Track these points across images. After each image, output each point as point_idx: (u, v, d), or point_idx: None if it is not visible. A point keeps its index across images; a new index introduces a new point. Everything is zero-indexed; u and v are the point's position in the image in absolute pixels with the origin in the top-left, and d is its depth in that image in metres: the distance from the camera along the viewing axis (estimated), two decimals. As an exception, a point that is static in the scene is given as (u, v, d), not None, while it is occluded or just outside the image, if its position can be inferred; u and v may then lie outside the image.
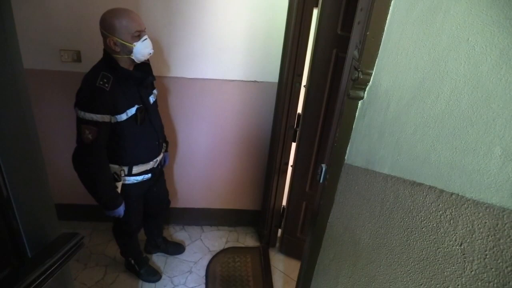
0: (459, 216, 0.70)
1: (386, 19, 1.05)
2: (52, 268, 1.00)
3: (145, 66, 1.99)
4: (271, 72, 2.54)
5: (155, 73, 2.49)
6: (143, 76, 1.93)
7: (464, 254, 0.69)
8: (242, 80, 2.56)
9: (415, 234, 0.85)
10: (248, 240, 3.08)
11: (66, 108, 2.58)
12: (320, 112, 2.34)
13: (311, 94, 2.32)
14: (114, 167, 2.00)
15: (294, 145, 2.60)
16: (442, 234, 0.75)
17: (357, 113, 1.24)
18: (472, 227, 0.67)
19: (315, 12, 2.21)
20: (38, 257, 1.04)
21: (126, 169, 2.03)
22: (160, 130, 2.15)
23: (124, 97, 1.85)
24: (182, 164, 2.86)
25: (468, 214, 0.68)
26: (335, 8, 2.07)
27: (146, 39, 1.84)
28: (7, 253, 1.02)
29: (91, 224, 3.06)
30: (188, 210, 3.08)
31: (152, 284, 2.57)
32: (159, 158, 2.18)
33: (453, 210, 0.72)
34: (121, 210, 2.04)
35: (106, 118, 1.79)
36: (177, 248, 2.86)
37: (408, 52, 0.94)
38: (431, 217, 0.79)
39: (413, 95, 0.89)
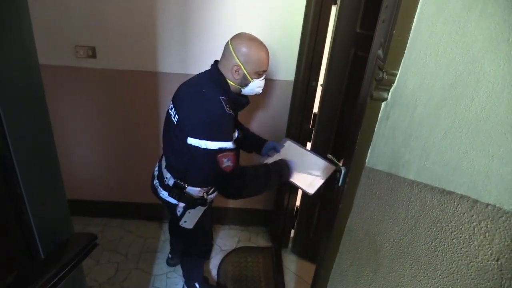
0: (496, 229, 0.66)
1: (414, 17, 1.00)
2: (65, 270, 0.98)
3: None
4: (287, 70, 2.49)
5: (171, 70, 2.48)
6: (246, 102, 1.83)
7: (501, 270, 0.64)
8: (257, 78, 2.52)
9: (444, 245, 0.80)
10: (260, 240, 3.05)
11: (80, 103, 2.58)
12: (336, 112, 2.29)
13: (327, 93, 2.28)
14: (196, 190, 1.84)
15: (309, 144, 2.55)
16: (476, 247, 0.71)
17: (380, 115, 1.19)
18: (511, 241, 0.63)
19: (334, 9, 2.16)
20: (50, 258, 1.02)
21: (205, 189, 1.89)
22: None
23: (235, 123, 1.78)
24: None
25: (507, 227, 0.64)
26: (354, 6, 2.01)
27: (263, 79, 1.76)
28: (20, 253, 1.01)
29: (103, 221, 3.05)
30: (200, 208, 3.05)
31: (164, 283, 2.55)
32: None
33: (488, 222, 0.68)
34: (290, 173, 1.84)
35: (232, 143, 1.66)
36: None
37: (438, 53, 0.89)
38: (463, 228, 0.75)
39: (444, 98, 0.85)
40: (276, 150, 2.01)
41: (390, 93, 1.13)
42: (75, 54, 2.39)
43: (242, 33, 1.72)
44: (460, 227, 0.75)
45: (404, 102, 1.04)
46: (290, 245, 2.98)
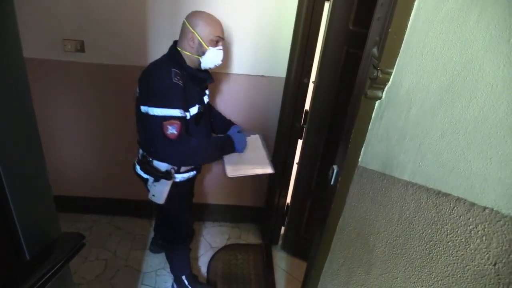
0: (493, 233, 0.65)
1: (410, 15, 0.99)
2: (51, 272, 0.95)
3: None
4: (279, 67, 2.47)
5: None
6: (207, 77, 1.93)
7: (498, 275, 0.63)
8: (249, 74, 2.49)
9: (439, 247, 0.79)
10: (251, 237, 3.03)
11: (67, 97, 2.53)
12: (328, 110, 2.28)
13: (319, 90, 2.26)
14: (164, 165, 1.91)
15: (300, 142, 2.54)
16: (472, 251, 0.70)
17: (373, 114, 1.17)
18: (509, 246, 0.62)
19: (326, 5, 2.14)
20: (36, 259, 0.99)
21: (176, 167, 1.96)
22: (210, 130, 2.11)
23: (192, 95, 1.84)
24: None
25: (505, 232, 0.63)
26: (347, 2, 1.99)
27: (220, 49, 1.85)
28: (4, 255, 0.97)
29: (92, 217, 3.01)
30: (190, 205, 3.03)
31: (153, 281, 2.53)
32: None
33: (486, 226, 0.67)
34: (238, 147, 1.98)
35: (182, 112, 1.73)
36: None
37: (435, 52, 0.87)
38: (459, 231, 0.73)
39: (440, 98, 0.83)
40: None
41: (384, 92, 1.11)
42: (62, 47, 2.34)
43: (195, 10, 1.83)
44: (456, 230, 0.74)
45: (399, 102, 1.03)
46: (280, 242, 2.97)
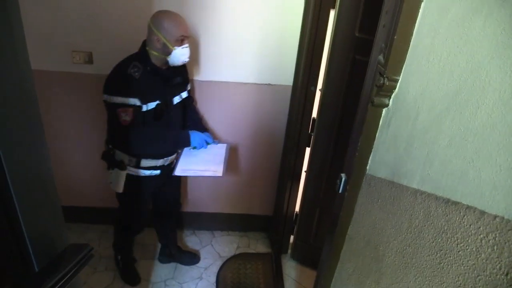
0: (505, 242, 0.64)
1: (415, 22, 0.98)
2: (60, 283, 0.95)
3: (181, 67, 2.06)
4: (286, 75, 2.47)
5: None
6: (171, 76, 1.99)
7: (511, 285, 0.62)
8: (255, 83, 2.50)
9: (450, 257, 0.78)
10: (260, 246, 3.02)
11: (76, 109, 2.55)
12: (335, 117, 2.27)
13: (326, 98, 2.25)
14: (123, 155, 2.03)
15: (308, 150, 2.53)
16: (484, 261, 0.68)
17: (381, 121, 1.16)
18: (521, 256, 0.60)
19: (332, 13, 2.14)
20: (45, 271, 0.99)
21: (134, 160, 2.05)
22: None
23: (151, 90, 1.91)
24: (193, 168, 2.81)
25: (517, 241, 0.61)
26: (353, 9, 1.99)
27: (186, 47, 1.91)
28: (13, 265, 0.98)
29: (100, 227, 3.01)
30: (199, 214, 3.03)
31: (162, 291, 2.52)
32: (170, 158, 2.18)
33: (497, 234, 0.66)
34: (193, 141, 2.08)
35: (137, 102, 1.85)
36: (191, 258, 2.78)
37: (441, 58, 0.87)
38: (469, 240, 0.72)
39: (448, 105, 0.83)
40: (206, 140, 2.18)
41: (391, 100, 1.11)
42: (71, 59, 2.36)
43: (159, 10, 1.90)
44: (467, 239, 0.73)
45: (406, 109, 1.02)
46: (289, 251, 2.94)
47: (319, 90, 2.32)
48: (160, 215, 2.52)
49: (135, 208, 2.26)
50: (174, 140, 2.09)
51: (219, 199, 2.98)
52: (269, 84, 2.50)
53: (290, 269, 2.80)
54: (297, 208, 2.80)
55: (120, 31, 2.30)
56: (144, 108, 1.90)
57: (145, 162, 2.07)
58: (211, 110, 2.59)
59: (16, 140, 0.88)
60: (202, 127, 2.37)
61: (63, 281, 0.97)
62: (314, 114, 2.41)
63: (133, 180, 2.09)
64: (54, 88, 2.46)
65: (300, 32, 2.31)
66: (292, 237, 2.91)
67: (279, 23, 2.32)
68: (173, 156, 2.21)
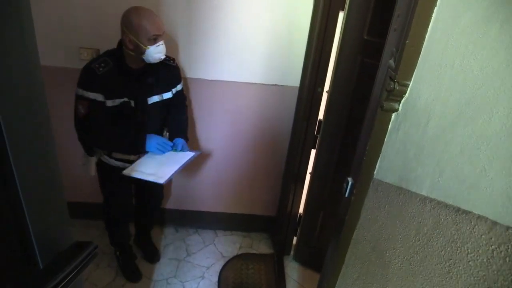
0: (518, 255, 0.62)
1: (428, 27, 0.97)
2: (65, 282, 0.95)
3: (166, 67, 2.06)
4: (293, 76, 2.46)
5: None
6: (141, 75, 1.98)
7: (523, 298, 0.61)
8: (262, 83, 2.49)
9: (459, 266, 0.77)
10: (262, 247, 3.01)
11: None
12: (342, 119, 2.26)
13: (333, 100, 2.24)
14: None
15: (313, 151, 2.52)
16: (495, 272, 0.67)
17: (390, 126, 1.15)
18: (534, 269, 0.59)
19: (341, 15, 2.12)
20: (49, 268, 0.99)
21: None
22: (153, 131, 2.15)
23: (117, 87, 1.92)
24: (198, 167, 2.81)
25: (530, 253, 0.60)
26: (362, 12, 1.98)
27: (160, 44, 1.88)
28: (18, 262, 0.97)
29: (102, 224, 2.98)
30: (202, 213, 3.03)
31: (163, 290, 2.52)
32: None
33: (509, 246, 0.64)
34: (148, 146, 2.05)
35: (98, 97, 1.88)
36: (152, 256, 2.75)
37: (454, 65, 0.86)
38: (480, 251, 0.71)
39: (460, 112, 0.81)
40: (174, 146, 2.18)
41: (401, 104, 1.09)
42: (79, 56, 2.36)
43: (130, 7, 1.87)
44: (478, 249, 0.72)
45: (417, 115, 1.01)
46: (292, 252, 2.94)
47: (326, 92, 2.31)
48: (139, 205, 2.58)
49: (114, 197, 2.32)
50: (129, 142, 2.05)
51: (223, 199, 2.98)
52: (276, 85, 2.49)
53: (292, 271, 2.80)
54: (300, 210, 2.79)
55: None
56: (110, 103, 1.92)
57: (116, 153, 2.13)
58: (216, 110, 2.58)
59: (24, 136, 0.88)
60: (180, 132, 2.28)
61: (67, 279, 0.97)
62: (321, 116, 2.40)
63: (108, 169, 2.16)
64: (61, 84, 2.46)
65: (309, 33, 2.30)
66: (295, 239, 2.90)
67: (288, 23, 2.31)
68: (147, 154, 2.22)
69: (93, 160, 2.14)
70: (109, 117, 1.97)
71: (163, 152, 2.10)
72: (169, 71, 2.11)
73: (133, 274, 2.58)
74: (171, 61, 2.14)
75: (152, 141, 2.06)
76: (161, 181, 1.97)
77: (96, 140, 2.05)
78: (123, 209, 2.40)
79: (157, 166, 2.07)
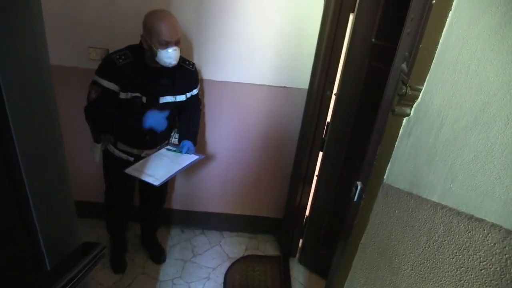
0: (533, 265, 0.61)
1: (443, 31, 0.95)
2: (72, 283, 0.95)
3: (181, 70, 2.10)
4: (302, 78, 2.45)
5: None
6: (157, 75, 2.03)
7: (538, 310, 0.59)
8: (271, 85, 2.48)
9: (471, 275, 0.75)
10: (268, 249, 3.00)
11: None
12: (350, 123, 2.24)
13: (341, 103, 2.23)
14: (107, 135, 2.20)
15: (321, 154, 2.51)
16: (509, 282, 0.66)
17: (401, 131, 1.14)
18: (551, 280, 0.58)
19: (351, 17, 2.11)
20: (57, 270, 0.99)
21: (112, 138, 2.20)
22: (161, 132, 2.17)
23: (133, 81, 1.98)
24: (205, 167, 2.80)
25: (546, 264, 0.59)
26: (371, 15, 1.97)
27: (171, 50, 1.92)
28: (25, 263, 0.98)
29: (110, 223, 3.02)
30: (208, 214, 3.02)
31: (169, 290, 2.52)
32: (147, 151, 2.26)
33: (524, 256, 0.63)
34: (148, 119, 2.06)
35: (112, 86, 1.94)
36: (158, 256, 2.75)
37: (469, 70, 0.84)
38: (493, 260, 0.70)
39: (475, 118, 0.80)
40: (182, 147, 2.24)
41: (413, 109, 1.08)
42: (88, 55, 2.38)
43: (156, 9, 1.94)
44: (491, 258, 0.70)
45: (429, 120, 0.99)
46: (298, 255, 2.92)
47: (334, 94, 2.30)
48: (144, 203, 2.63)
49: (115, 185, 2.37)
50: (130, 126, 2.12)
51: (229, 200, 2.98)
52: (285, 87, 2.49)
53: (298, 274, 2.78)
54: (307, 213, 2.77)
55: (136, 28, 2.30)
56: (123, 95, 1.99)
57: (120, 145, 2.20)
58: (224, 111, 2.58)
59: (33, 134, 0.87)
60: (189, 135, 2.31)
61: (75, 280, 0.97)
62: (329, 118, 2.39)
63: (113, 159, 2.24)
64: (70, 84, 2.47)
65: (319, 35, 2.29)
66: (301, 241, 2.89)
67: (297, 25, 2.31)
68: (151, 151, 2.26)
69: (99, 147, 2.21)
70: (119, 109, 2.03)
71: (162, 128, 2.13)
72: (187, 75, 2.15)
73: (118, 265, 2.63)
74: (191, 66, 2.17)
75: (151, 115, 2.07)
76: (156, 183, 2.02)
77: (98, 123, 2.12)
78: (122, 197, 2.44)
79: (157, 168, 2.12)
